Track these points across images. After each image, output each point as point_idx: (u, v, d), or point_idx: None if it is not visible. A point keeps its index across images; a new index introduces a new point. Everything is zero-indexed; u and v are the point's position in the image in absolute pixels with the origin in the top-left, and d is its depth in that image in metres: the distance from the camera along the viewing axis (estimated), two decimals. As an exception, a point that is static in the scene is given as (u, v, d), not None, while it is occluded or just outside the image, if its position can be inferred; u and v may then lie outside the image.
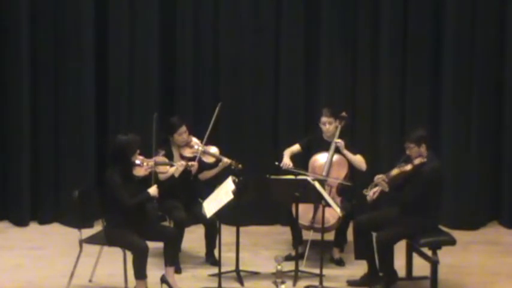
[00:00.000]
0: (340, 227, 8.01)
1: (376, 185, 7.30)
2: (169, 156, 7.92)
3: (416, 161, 7.23)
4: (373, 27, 9.30)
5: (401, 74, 9.32)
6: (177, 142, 8.02)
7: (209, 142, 8.04)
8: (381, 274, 7.39)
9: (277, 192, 7.65)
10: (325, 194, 7.49)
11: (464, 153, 9.29)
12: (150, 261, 7.13)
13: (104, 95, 9.32)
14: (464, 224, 9.17)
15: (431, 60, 9.29)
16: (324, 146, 8.14)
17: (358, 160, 8.10)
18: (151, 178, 7.48)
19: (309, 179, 7.55)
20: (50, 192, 9.32)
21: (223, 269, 7.49)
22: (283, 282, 6.10)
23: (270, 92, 9.39)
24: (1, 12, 9.15)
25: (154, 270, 7.36)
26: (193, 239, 8.41)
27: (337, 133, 8.11)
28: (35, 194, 9.31)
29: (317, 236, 7.63)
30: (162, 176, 7.75)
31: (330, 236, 7.99)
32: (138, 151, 7.21)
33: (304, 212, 7.82)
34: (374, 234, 7.37)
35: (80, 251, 7.30)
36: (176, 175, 7.77)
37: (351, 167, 8.09)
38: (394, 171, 7.29)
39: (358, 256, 7.53)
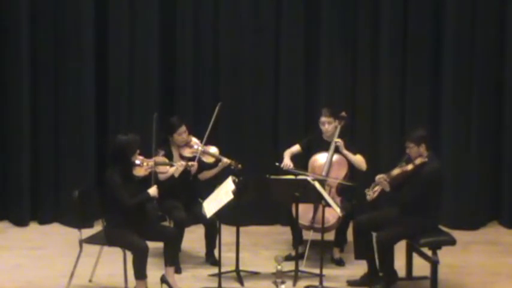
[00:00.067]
0: (340, 227, 8.01)
1: (377, 185, 7.30)
2: (169, 156, 7.92)
3: (418, 161, 7.23)
4: (373, 27, 9.30)
5: (401, 74, 9.33)
6: (176, 142, 8.02)
7: (209, 142, 8.04)
8: (380, 274, 7.39)
9: (277, 192, 7.65)
10: (325, 194, 7.49)
11: (464, 153, 9.29)
12: (150, 261, 7.13)
13: (104, 95, 9.32)
14: (464, 224, 9.17)
15: (431, 60, 9.29)
16: (324, 146, 8.14)
17: (358, 160, 8.10)
18: (151, 178, 7.48)
19: (309, 179, 7.55)
20: (50, 192, 9.32)
21: (223, 269, 7.49)
22: (283, 282, 6.10)
23: (270, 92, 9.39)
24: (1, 12, 9.15)
25: (154, 270, 7.36)
26: (193, 239, 8.41)
27: (337, 133, 8.11)
28: (35, 194, 9.31)
29: (317, 236, 7.63)
30: (162, 176, 7.75)
31: (330, 236, 8.00)
32: (138, 151, 7.21)
33: (304, 212, 7.82)
34: (374, 234, 7.37)
35: (80, 251, 7.30)
36: (176, 175, 7.77)
37: (351, 166, 8.09)
38: (396, 171, 7.29)
39: (358, 256, 7.53)
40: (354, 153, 8.09)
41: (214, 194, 7.49)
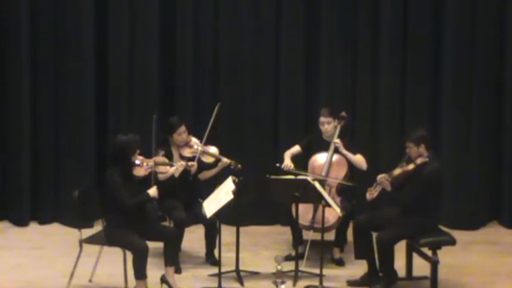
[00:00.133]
0: (340, 227, 8.01)
1: (379, 185, 7.29)
2: (169, 156, 7.92)
3: (418, 161, 7.23)
4: (373, 27, 9.30)
5: (401, 74, 9.32)
6: (176, 142, 8.02)
7: (208, 142, 8.04)
8: (380, 274, 7.39)
9: (277, 192, 7.65)
10: (325, 194, 7.49)
11: (464, 153, 9.29)
12: (150, 261, 7.13)
13: (104, 95, 9.32)
14: (464, 224, 9.17)
15: (431, 60, 9.29)
16: (324, 146, 8.14)
17: (359, 160, 8.10)
18: (151, 178, 7.48)
19: (309, 179, 7.55)
20: (50, 192, 9.32)
21: (223, 269, 7.49)
22: (283, 282, 6.10)
23: (270, 92, 9.39)
24: (1, 12, 9.15)
25: (154, 270, 7.36)
26: (193, 239, 8.41)
27: (337, 133, 8.11)
28: (35, 194, 9.30)
29: (317, 236, 7.63)
30: (161, 176, 7.75)
31: (330, 236, 7.99)
32: (138, 151, 7.21)
33: (304, 212, 7.82)
34: (374, 234, 7.37)
35: (80, 251, 7.30)
36: (176, 175, 7.77)
37: (351, 166, 8.09)
38: (397, 171, 7.29)
39: (358, 256, 7.53)
40: (355, 153, 8.09)
41: (214, 194, 7.49)
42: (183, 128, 7.99)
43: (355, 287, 7.50)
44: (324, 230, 7.52)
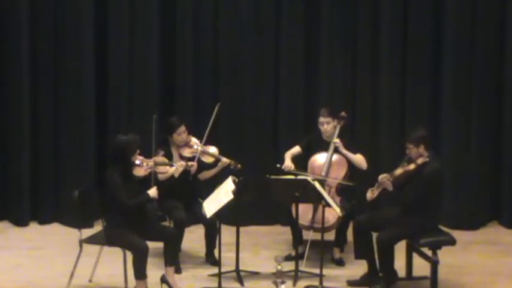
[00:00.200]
0: (340, 227, 8.00)
1: (381, 185, 7.29)
2: (169, 156, 7.92)
3: (419, 161, 7.22)
4: (373, 27, 9.30)
5: (401, 74, 9.32)
6: (176, 142, 8.02)
7: (208, 142, 8.04)
8: (380, 274, 7.39)
9: (277, 192, 7.65)
10: (325, 194, 7.48)
11: (464, 153, 9.29)
12: (150, 261, 7.13)
13: (104, 95, 9.32)
14: (464, 224, 9.17)
15: (431, 60, 9.28)
16: (324, 146, 8.14)
17: (359, 159, 8.09)
18: (151, 178, 7.48)
19: (309, 179, 7.55)
20: (50, 192, 9.32)
21: (223, 269, 7.49)
22: (283, 282, 6.10)
23: (270, 92, 9.39)
24: (1, 12, 9.15)
25: (154, 270, 7.36)
26: (193, 239, 8.41)
27: (336, 133, 8.11)
28: (35, 194, 9.30)
29: (317, 236, 7.63)
30: (161, 176, 7.75)
31: (330, 236, 7.99)
32: (138, 151, 7.21)
33: (304, 212, 7.81)
34: (374, 234, 7.37)
35: (80, 251, 7.30)
36: (176, 175, 7.77)
37: (351, 166, 8.09)
38: (398, 171, 7.28)
39: (358, 256, 7.53)
40: (355, 152, 8.09)
41: (214, 194, 7.49)
42: (182, 128, 8.00)
43: (355, 287, 7.50)
44: (324, 230, 7.52)
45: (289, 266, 7.61)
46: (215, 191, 7.51)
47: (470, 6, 9.15)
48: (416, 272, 7.65)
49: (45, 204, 9.34)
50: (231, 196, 7.28)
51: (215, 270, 7.57)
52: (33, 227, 9.29)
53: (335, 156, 8.08)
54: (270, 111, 9.41)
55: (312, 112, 8.95)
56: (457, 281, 7.66)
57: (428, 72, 9.30)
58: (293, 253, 8.00)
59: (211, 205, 7.40)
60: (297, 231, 8.00)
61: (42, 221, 9.33)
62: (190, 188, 8.04)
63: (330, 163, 8.05)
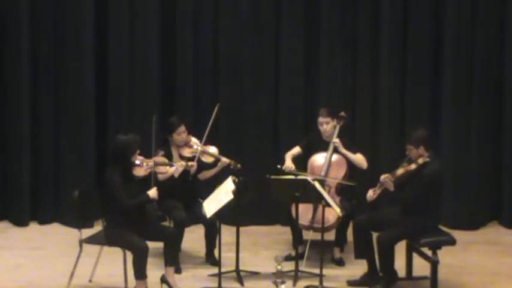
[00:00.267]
0: (340, 227, 8.00)
1: (383, 185, 7.29)
2: (169, 156, 7.92)
3: (420, 160, 7.22)
4: (373, 27, 9.30)
5: (401, 74, 9.32)
6: (176, 142, 8.02)
7: (208, 142, 8.04)
8: (380, 274, 7.39)
9: (277, 192, 7.65)
10: (325, 194, 7.48)
11: (464, 153, 9.29)
12: (150, 261, 7.13)
13: (104, 95, 9.32)
14: (464, 224, 9.17)
15: (431, 60, 9.28)
16: (323, 146, 8.13)
17: (359, 159, 8.09)
18: (151, 178, 7.48)
19: (309, 179, 7.55)
20: (50, 192, 9.32)
21: (223, 269, 7.49)
22: (283, 282, 6.10)
23: (270, 92, 9.39)
24: (1, 12, 9.15)
25: (154, 270, 7.36)
26: (193, 239, 8.41)
27: (336, 133, 8.11)
28: (35, 194, 9.31)
29: (317, 236, 7.63)
30: (161, 177, 7.75)
31: (330, 236, 7.99)
32: (138, 151, 7.21)
33: (304, 212, 7.81)
34: (374, 234, 7.37)
35: (80, 251, 7.30)
36: (176, 175, 7.77)
37: (351, 166, 8.09)
38: (400, 171, 7.28)
39: (358, 256, 7.53)
40: (354, 152, 8.09)
41: (214, 194, 7.49)
42: (182, 128, 8.00)
43: (355, 287, 7.50)
44: (324, 230, 7.52)
45: (289, 266, 7.60)
46: (215, 191, 7.51)
47: (470, 6, 9.15)
48: (416, 272, 7.64)
49: (45, 204, 9.34)
50: (231, 196, 7.28)
51: (215, 270, 7.56)
52: (33, 227, 9.29)
53: (335, 156, 8.08)
54: (270, 111, 9.41)
55: (312, 112, 8.95)
56: (457, 281, 7.66)
57: (428, 72, 9.30)
58: (293, 253, 8.00)
59: (211, 205, 7.40)
60: (297, 231, 8.00)
61: (42, 221, 9.33)
62: (190, 188, 8.04)
63: (329, 163, 8.05)
